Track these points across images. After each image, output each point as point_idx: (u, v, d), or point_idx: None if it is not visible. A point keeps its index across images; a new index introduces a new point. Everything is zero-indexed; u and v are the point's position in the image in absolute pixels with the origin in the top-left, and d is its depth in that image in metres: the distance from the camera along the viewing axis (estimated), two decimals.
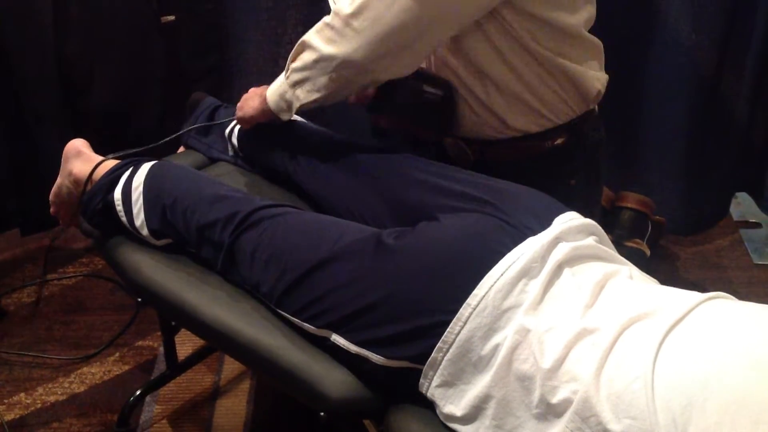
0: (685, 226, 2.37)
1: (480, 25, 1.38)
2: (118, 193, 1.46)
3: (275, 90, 1.48)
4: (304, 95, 1.42)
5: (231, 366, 1.94)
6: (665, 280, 1.15)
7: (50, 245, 1.68)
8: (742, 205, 2.53)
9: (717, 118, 2.21)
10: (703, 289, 1.08)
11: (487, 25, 1.37)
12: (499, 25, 1.37)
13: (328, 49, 1.35)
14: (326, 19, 1.36)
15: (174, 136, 1.67)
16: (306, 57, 1.39)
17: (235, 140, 1.68)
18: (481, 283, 1.07)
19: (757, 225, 2.48)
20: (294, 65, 1.42)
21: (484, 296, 1.06)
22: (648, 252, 2.13)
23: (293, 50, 1.43)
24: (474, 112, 1.47)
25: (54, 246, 1.73)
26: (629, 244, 2.12)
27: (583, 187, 1.55)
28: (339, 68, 1.35)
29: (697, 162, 2.28)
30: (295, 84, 1.43)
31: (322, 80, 1.38)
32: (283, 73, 1.46)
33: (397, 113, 1.55)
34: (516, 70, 1.40)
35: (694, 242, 2.39)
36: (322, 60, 1.36)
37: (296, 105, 1.45)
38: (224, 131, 1.70)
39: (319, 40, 1.36)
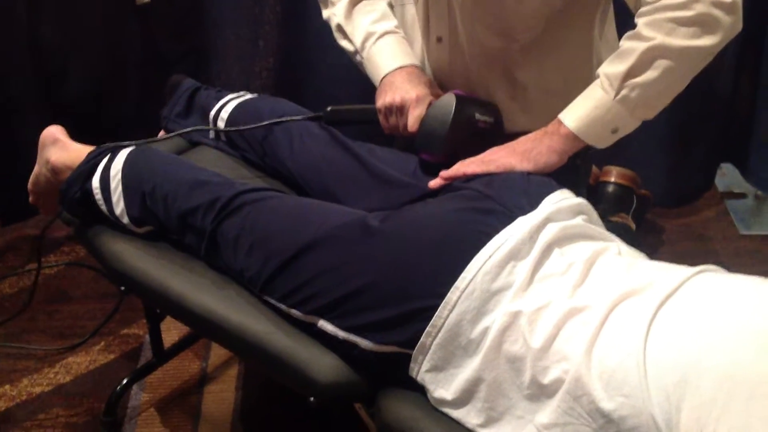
0: (671, 199, 2.37)
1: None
2: (96, 182, 1.43)
3: None
4: None
5: (218, 352, 1.92)
6: (652, 252, 1.14)
7: (42, 234, 1.66)
8: (727, 176, 2.53)
9: (700, 89, 2.19)
10: (690, 261, 1.08)
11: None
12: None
13: None
14: None
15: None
16: None
17: (221, 123, 1.65)
18: (468, 266, 1.06)
19: (743, 195, 2.49)
20: None
21: (472, 279, 1.05)
22: (633, 226, 2.13)
23: None
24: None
25: (40, 235, 1.70)
26: (614, 218, 2.12)
27: (586, 166, 1.53)
28: None
29: (682, 134, 2.28)
30: None
31: None
32: None
33: (448, 146, 1.36)
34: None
35: (680, 214, 2.40)
36: None
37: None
38: (207, 113, 1.68)
39: None
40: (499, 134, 1.40)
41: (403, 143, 1.51)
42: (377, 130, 1.48)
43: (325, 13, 1.58)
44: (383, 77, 1.46)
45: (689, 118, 2.25)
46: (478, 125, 1.37)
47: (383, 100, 1.43)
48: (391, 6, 1.56)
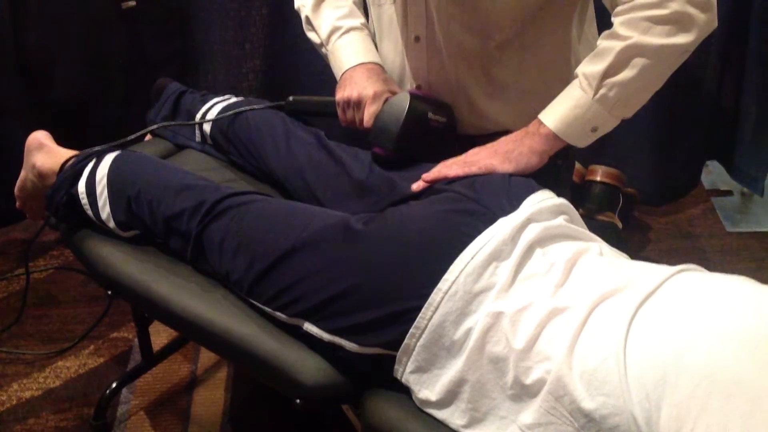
0: (658, 197, 2.38)
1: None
2: (82, 186, 1.44)
3: None
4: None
5: (207, 355, 1.92)
6: (638, 250, 1.15)
7: (32, 241, 1.65)
8: (713, 174, 2.55)
9: (685, 87, 2.21)
10: (676, 259, 1.08)
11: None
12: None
13: None
14: None
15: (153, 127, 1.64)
16: None
17: (207, 127, 1.65)
18: (451, 267, 1.06)
19: (729, 193, 2.50)
20: None
21: (454, 281, 1.06)
22: (620, 225, 2.14)
23: None
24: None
25: (30, 242, 1.70)
26: (601, 217, 2.12)
27: (567, 165, 1.54)
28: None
29: (667, 132, 2.28)
30: None
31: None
32: None
33: (400, 144, 1.39)
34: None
35: (667, 212, 2.41)
36: None
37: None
38: (193, 117, 1.68)
39: None
40: (451, 134, 1.46)
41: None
42: (336, 122, 1.52)
43: (296, 3, 1.61)
44: (344, 72, 1.49)
45: (675, 117, 2.25)
46: (431, 124, 1.42)
47: (342, 94, 1.47)
48: (366, 6, 1.57)
